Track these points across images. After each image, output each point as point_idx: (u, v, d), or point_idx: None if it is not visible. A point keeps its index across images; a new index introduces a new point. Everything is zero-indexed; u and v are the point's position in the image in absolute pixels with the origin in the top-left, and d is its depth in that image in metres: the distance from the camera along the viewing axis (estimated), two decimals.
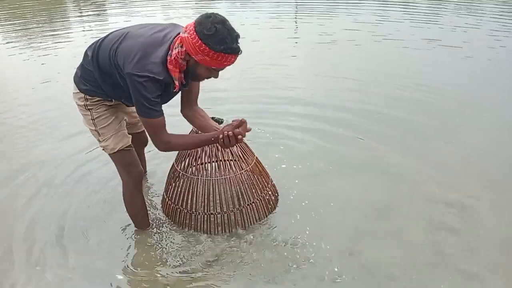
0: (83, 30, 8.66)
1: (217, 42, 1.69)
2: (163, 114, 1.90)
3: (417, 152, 3.31)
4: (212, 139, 1.93)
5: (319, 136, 3.57)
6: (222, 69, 1.83)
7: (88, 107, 2.09)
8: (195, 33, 1.70)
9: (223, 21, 1.72)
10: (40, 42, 7.47)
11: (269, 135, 3.58)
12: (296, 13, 9.66)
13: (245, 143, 2.50)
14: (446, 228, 2.46)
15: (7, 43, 7.59)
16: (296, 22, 8.68)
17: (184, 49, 1.76)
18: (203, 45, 1.70)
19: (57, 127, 3.90)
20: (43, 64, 6.07)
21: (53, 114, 4.20)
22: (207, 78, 1.91)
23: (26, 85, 5.16)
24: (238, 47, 1.75)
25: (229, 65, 1.79)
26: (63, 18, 10.16)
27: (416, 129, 3.67)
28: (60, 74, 5.37)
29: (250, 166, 2.44)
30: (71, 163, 3.26)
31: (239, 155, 2.43)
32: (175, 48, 1.78)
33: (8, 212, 2.72)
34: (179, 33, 1.82)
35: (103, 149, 2.20)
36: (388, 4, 10.17)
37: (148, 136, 2.10)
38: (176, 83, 1.85)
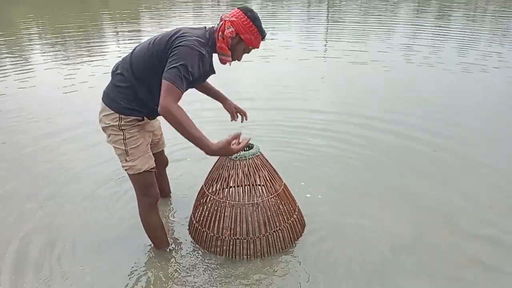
0: (118, 45, 8.98)
1: (261, 25, 2.11)
2: (184, 91, 1.96)
3: (447, 183, 3.23)
4: (206, 145, 1.91)
5: (346, 164, 3.54)
6: (250, 50, 2.17)
7: (122, 127, 2.15)
8: (246, 17, 2.06)
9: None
10: (76, 57, 7.79)
11: (297, 159, 3.59)
12: (326, 35, 9.72)
13: (274, 169, 2.51)
14: (481, 265, 2.37)
15: (45, 55, 7.96)
16: (325, 46, 8.71)
17: (234, 29, 2.06)
18: (253, 26, 2.07)
19: (86, 143, 4.02)
20: (76, 77, 6.29)
21: (85, 128, 4.34)
22: (235, 59, 2.18)
23: (59, 99, 5.39)
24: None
25: (258, 47, 2.16)
26: (100, 36, 10.56)
27: (445, 159, 3.59)
28: (95, 87, 5.57)
29: (278, 192, 2.44)
30: (98, 178, 3.35)
31: (267, 180, 2.42)
32: (227, 28, 2.06)
33: (28, 224, 2.79)
34: (209, 26, 2.15)
35: (126, 169, 2.23)
36: (420, 29, 10.11)
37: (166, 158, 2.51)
38: (229, 58, 2.13)
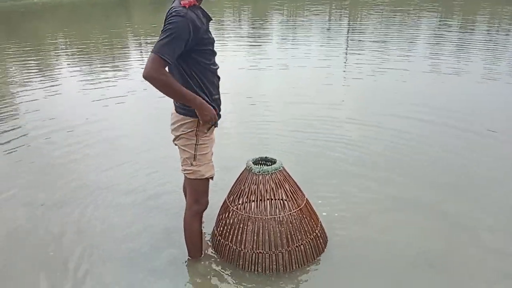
0: (141, 64, 9.20)
1: None
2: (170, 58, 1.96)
3: (473, 198, 3.18)
4: (196, 103, 2.06)
5: (368, 177, 3.52)
6: None
7: (197, 132, 2.23)
8: None
9: None
10: (101, 71, 8.01)
11: (317, 172, 3.59)
12: (346, 48, 9.73)
13: (296, 183, 2.53)
14: None
15: (70, 67, 8.22)
16: (345, 57, 8.72)
17: None
18: None
19: (120, 154, 4.15)
20: (101, 90, 6.47)
21: (110, 139, 4.47)
22: None
23: (84, 109, 5.54)
24: None
25: None
26: (124, 51, 10.85)
27: (472, 173, 3.53)
28: (120, 101, 5.74)
29: (300, 207, 2.45)
30: (123, 188, 3.45)
31: (290, 195, 2.45)
32: None
33: (68, 231, 2.91)
34: None
35: (189, 173, 2.29)
36: (442, 40, 10.03)
37: None
38: (186, 1, 1.99)
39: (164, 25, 1.98)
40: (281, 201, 2.45)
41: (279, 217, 2.41)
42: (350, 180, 3.48)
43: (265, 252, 2.40)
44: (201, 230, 2.50)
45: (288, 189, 2.45)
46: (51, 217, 3.10)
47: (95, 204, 3.23)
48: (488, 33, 10.97)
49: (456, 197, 3.17)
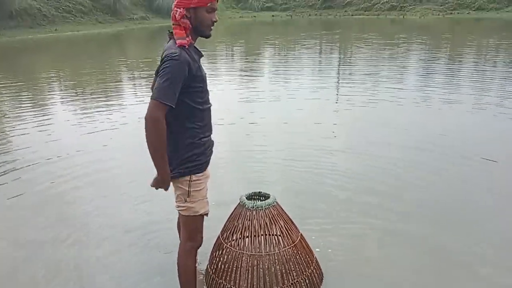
0: (134, 97, 9.26)
1: None
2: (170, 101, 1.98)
3: (468, 230, 3.16)
4: (160, 172, 2.07)
5: (364, 210, 3.49)
6: (213, 10, 2.06)
7: (191, 168, 2.20)
8: None
9: None
10: (94, 104, 8.03)
11: (313, 207, 3.55)
12: (338, 79, 9.89)
13: (290, 218, 2.48)
14: None
15: (64, 101, 8.24)
16: (337, 89, 8.85)
17: (181, 8, 2.01)
18: None
19: (111, 188, 4.11)
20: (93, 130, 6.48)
21: (106, 173, 4.41)
22: (212, 24, 2.10)
23: (77, 143, 5.47)
24: None
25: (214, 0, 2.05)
26: (117, 85, 10.94)
27: (468, 207, 3.51)
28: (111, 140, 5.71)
29: (295, 243, 2.40)
30: (126, 224, 3.38)
31: (284, 230, 2.40)
32: (176, 14, 2.02)
33: (59, 273, 2.82)
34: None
35: (183, 209, 2.25)
36: (432, 72, 10.24)
37: None
38: (184, 41, 2.02)
39: (161, 69, 2.00)
40: (276, 237, 2.41)
41: (274, 253, 2.36)
42: (344, 212, 3.46)
43: None
44: (196, 267, 2.43)
45: (282, 225, 2.42)
46: (40, 256, 3.01)
47: (85, 242, 3.16)
48: (476, 64, 11.24)
49: (450, 229, 3.15)
